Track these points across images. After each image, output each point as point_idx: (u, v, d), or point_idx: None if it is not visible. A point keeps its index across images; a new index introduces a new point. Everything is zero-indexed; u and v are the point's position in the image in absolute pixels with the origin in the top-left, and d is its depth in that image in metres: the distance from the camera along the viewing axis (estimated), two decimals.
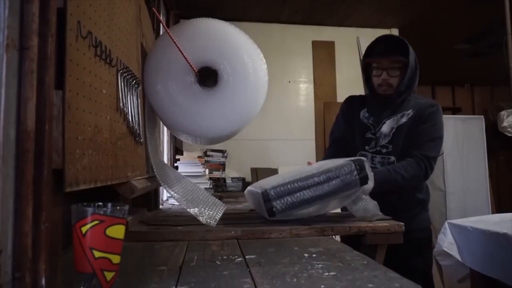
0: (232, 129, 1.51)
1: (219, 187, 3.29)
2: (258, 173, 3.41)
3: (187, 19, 1.78)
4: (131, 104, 1.16)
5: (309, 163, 1.47)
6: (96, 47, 0.85)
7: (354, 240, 1.19)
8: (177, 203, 1.93)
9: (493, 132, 5.33)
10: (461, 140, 4.35)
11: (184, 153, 2.93)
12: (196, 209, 1.26)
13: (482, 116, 4.66)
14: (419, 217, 1.56)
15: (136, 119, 1.21)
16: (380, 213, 1.31)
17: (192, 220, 1.24)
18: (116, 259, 0.60)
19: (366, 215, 1.29)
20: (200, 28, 1.49)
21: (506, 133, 5.40)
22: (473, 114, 5.86)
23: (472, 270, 2.07)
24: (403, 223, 1.22)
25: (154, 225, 1.24)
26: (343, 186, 1.22)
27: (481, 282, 2.00)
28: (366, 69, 1.63)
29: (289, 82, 4.02)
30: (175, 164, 2.76)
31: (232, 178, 3.46)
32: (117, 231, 0.60)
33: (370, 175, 1.25)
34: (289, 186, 1.21)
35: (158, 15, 1.64)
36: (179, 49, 1.36)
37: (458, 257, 2.13)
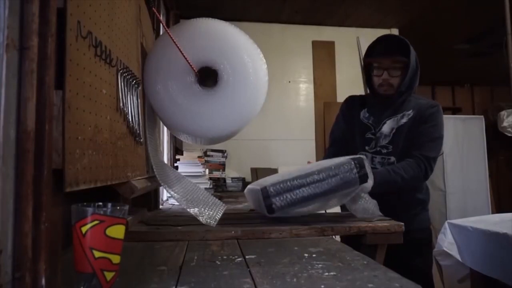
0: (232, 129, 1.51)
1: (219, 187, 3.29)
2: (258, 173, 3.41)
3: (187, 19, 1.78)
4: (131, 104, 1.16)
5: (309, 163, 1.47)
6: (96, 47, 0.85)
7: (354, 240, 1.19)
8: (177, 203, 1.93)
9: (493, 132, 5.33)
10: (461, 140, 4.35)
11: (184, 153, 2.93)
12: (196, 209, 1.26)
13: (482, 116, 4.66)
14: (419, 217, 1.56)
15: (136, 119, 1.21)
16: (380, 213, 1.31)
17: (192, 220, 1.24)
18: (116, 259, 0.60)
19: (366, 215, 1.29)
20: (200, 28, 1.49)
21: (506, 133, 5.40)
22: (473, 114, 5.87)
23: (472, 270, 2.07)
24: (403, 223, 1.22)
25: (154, 225, 1.24)
26: (342, 184, 1.21)
27: (481, 282, 2.00)
28: (367, 68, 1.63)
29: (289, 82, 4.02)
30: (175, 164, 2.76)
31: (232, 178, 3.46)
32: (117, 231, 0.60)
33: (370, 173, 1.25)
34: (288, 183, 1.21)
35: (158, 15, 1.64)
36: (179, 49, 1.36)
37: (458, 257, 2.13)
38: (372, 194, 1.35)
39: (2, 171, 0.48)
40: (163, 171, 1.46)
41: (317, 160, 2.80)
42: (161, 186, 1.46)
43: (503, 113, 5.43)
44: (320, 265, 0.81)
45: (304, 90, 4.05)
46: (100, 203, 0.63)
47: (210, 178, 3.04)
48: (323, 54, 4.08)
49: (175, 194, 1.34)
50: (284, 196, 1.20)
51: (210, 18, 1.52)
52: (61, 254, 0.64)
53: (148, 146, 1.41)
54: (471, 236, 2.02)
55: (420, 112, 1.53)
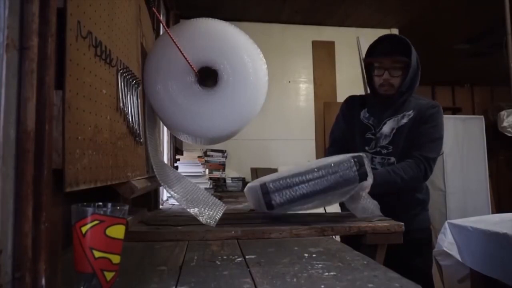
0: (232, 129, 1.51)
1: (219, 187, 3.29)
2: (258, 173, 3.41)
3: (187, 19, 1.78)
4: (131, 104, 1.16)
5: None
6: (96, 47, 0.85)
7: (354, 240, 1.19)
8: (177, 203, 1.93)
9: (493, 132, 5.33)
10: (461, 140, 4.35)
11: (184, 153, 2.93)
12: (196, 209, 1.26)
13: (482, 116, 4.66)
14: (419, 217, 1.56)
15: (136, 119, 1.21)
16: (380, 213, 1.30)
17: (192, 220, 1.24)
18: (116, 259, 0.60)
19: (366, 215, 1.29)
20: (200, 28, 1.49)
21: (506, 133, 5.40)
22: (473, 114, 5.87)
23: (472, 270, 2.07)
24: (403, 223, 1.21)
25: (154, 225, 1.24)
26: (342, 181, 1.21)
27: (481, 282, 2.00)
28: (367, 68, 1.62)
29: (289, 82, 4.02)
30: (175, 164, 2.76)
31: (232, 178, 3.46)
32: (117, 231, 0.60)
33: (370, 171, 1.25)
34: (288, 180, 1.21)
35: (158, 15, 1.64)
36: (179, 49, 1.36)
37: (458, 257, 2.13)
38: (372, 194, 1.35)
39: (2, 171, 0.48)
40: (163, 171, 1.46)
41: None
42: (161, 186, 1.46)
43: (503, 113, 5.43)
44: (320, 265, 0.81)
45: (304, 90, 4.05)
46: (100, 203, 0.63)
47: (210, 178, 3.04)
48: (323, 54, 4.08)
49: (175, 194, 1.34)
50: (284, 193, 1.20)
51: (210, 18, 1.52)
52: (61, 254, 0.64)
53: (148, 146, 1.41)
54: (471, 236, 2.02)
55: (420, 112, 1.53)
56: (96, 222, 0.58)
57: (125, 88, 1.10)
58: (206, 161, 3.10)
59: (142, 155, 1.34)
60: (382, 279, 0.71)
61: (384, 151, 1.55)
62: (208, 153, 3.35)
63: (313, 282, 0.70)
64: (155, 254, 0.96)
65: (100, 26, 0.90)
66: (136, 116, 1.21)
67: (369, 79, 1.63)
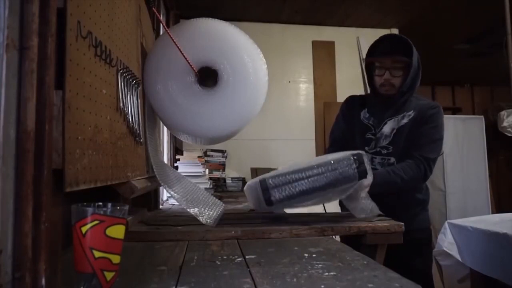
0: (232, 129, 1.51)
1: (219, 187, 3.29)
2: (258, 173, 3.41)
3: (187, 19, 1.78)
4: (131, 104, 1.16)
5: None
6: (96, 47, 0.85)
7: (354, 240, 1.19)
8: (177, 203, 1.93)
9: (493, 132, 5.33)
10: (461, 140, 4.35)
11: (184, 153, 2.93)
12: (196, 209, 1.26)
13: (482, 116, 4.66)
14: (419, 217, 1.56)
15: (136, 119, 1.21)
16: (380, 212, 1.30)
17: (192, 220, 1.24)
18: (116, 259, 0.60)
19: (365, 215, 1.29)
20: (200, 28, 1.49)
21: (506, 133, 5.40)
22: (473, 114, 5.87)
23: (472, 270, 2.07)
24: (403, 223, 1.21)
25: (154, 225, 1.24)
26: (341, 179, 1.21)
27: (481, 282, 2.00)
28: (368, 68, 1.62)
29: (289, 82, 4.02)
30: (175, 164, 2.76)
31: (232, 178, 3.46)
32: (117, 231, 0.60)
33: (369, 169, 1.25)
34: (287, 176, 1.20)
35: (158, 15, 1.64)
36: (179, 49, 1.36)
37: (458, 257, 2.13)
38: (372, 194, 1.35)
39: (2, 171, 0.48)
40: (163, 171, 1.46)
41: None
42: (161, 186, 1.46)
43: (503, 113, 5.43)
44: (320, 265, 0.81)
45: (304, 90, 4.05)
46: (100, 203, 0.63)
47: (210, 178, 3.04)
48: (323, 54, 4.08)
49: (175, 194, 1.34)
50: (283, 189, 1.19)
51: (210, 18, 1.52)
52: (61, 254, 0.64)
53: (148, 146, 1.41)
54: (471, 236, 2.02)
55: (421, 113, 1.53)
56: (96, 222, 0.58)
57: (125, 88, 1.10)
58: (206, 161, 3.10)
59: (142, 155, 1.34)
60: (382, 279, 0.71)
61: (384, 151, 1.54)
62: (208, 153, 3.35)
63: (313, 282, 0.70)
64: (155, 254, 0.96)
65: (100, 26, 0.90)
66: (136, 116, 1.21)
67: (370, 78, 1.63)
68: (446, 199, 4.18)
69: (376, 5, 3.65)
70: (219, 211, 1.40)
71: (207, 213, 1.27)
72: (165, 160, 2.63)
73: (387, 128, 1.55)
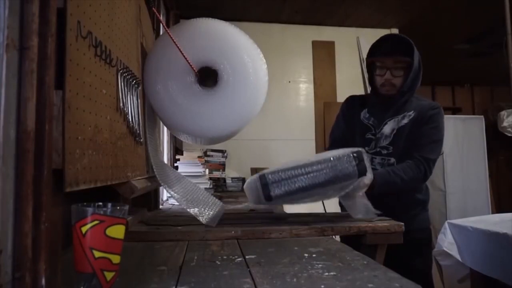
0: (232, 129, 1.51)
1: (219, 187, 3.29)
2: None
3: (187, 19, 1.78)
4: (131, 104, 1.16)
5: None
6: (96, 47, 0.85)
7: (354, 240, 1.19)
8: (177, 203, 1.93)
9: (493, 132, 5.33)
10: (461, 140, 4.35)
11: (184, 153, 2.93)
12: (196, 209, 1.26)
13: (482, 116, 4.66)
14: (419, 217, 1.56)
15: (136, 119, 1.21)
16: (378, 211, 1.30)
17: (192, 220, 1.24)
18: (116, 259, 0.60)
19: (361, 215, 1.29)
20: (200, 28, 1.49)
21: (506, 133, 5.40)
22: (473, 114, 5.87)
23: (472, 270, 2.07)
24: (403, 223, 1.21)
25: (154, 225, 1.24)
26: (341, 176, 1.21)
27: (481, 282, 2.00)
28: (369, 68, 1.62)
29: (289, 82, 4.02)
30: (175, 164, 2.76)
31: (232, 178, 3.46)
32: (117, 231, 0.60)
33: (369, 167, 1.24)
34: (287, 172, 1.20)
35: (158, 15, 1.64)
36: (179, 49, 1.36)
37: (458, 257, 2.13)
38: (372, 194, 1.35)
39: (2, 171, 0.48)
40: (163, 171, 1.46)
41: None
42: (161, 186, 1.46)
43: (503, 113, 5.43)
44: (320, 265, 0.81)
45: (304, 90, 4.05)
46: (100, 203, 0.63)
47: (210, 178, 3.04)
48: (323, 54, 4.08)
49: (175, 194, 1.34)
50: (282, 184, 1.19)
51: (210, 18, 1.52)
52: (61, 254, 0.64)
53: (148, 146, 1.41)
54: (471, 236, 2.02)
55: (421, 113, 1.52)
56: (96, 222, 0.58)
57: (125, 88, 1.10)
58: (206, 161, 3.10)
59: (142, 155, 1.34)
60: (382, 279, 0.71)
61: (384, 152, 1.54)
62: (208, 153, 3.35)
63: (313, 282, 0.70)
64: (155, 254, 0.96)
65: (100, 26, 0.90)
66: (136, 116, 1.21)
67: (370, 78, 1.62)
68: (446, 199, 4.18)
69: (376, 5, 3.65)
70: (219, 211, 1.39)
71: (207, 213, 1.27)
72: (165, 160, 2.63)
73: (387, 129, 1.55)
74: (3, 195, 0.49)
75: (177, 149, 3.06)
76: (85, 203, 0.61)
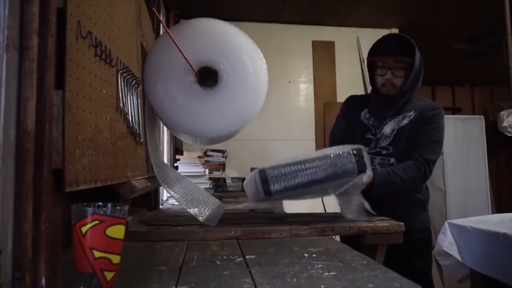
0: (232, 129, 1.51)
1: (219, 187, 3.29)
2: None
3: (187, 19, 1.78)
4: (131, 104, 1.16)
5: None
6: (96, 47, 0.85)
7: (354, 240, 1.19)
8: (177, 203, 1.93)
9: (493, 132, 5.33)
10: (461, 140, 4.35)
11: (184, 153, 2.93)
12: (196, 209, 1.26)
13: (482, 116, 4.66)
14: (419, 217, 1.55)
15: (136, 119, 1.21)
16: (373, 213, 1.30)
17: (192, 220, 1.24)
18: (116, 259, 0.60)
19: (353, 216, 1.29)
20: (200, 28, 1.49)
21: (506, 133, 5.40)
22: (473, 114, 5.86)
23: (472, 270, 2.07)
24: (403, 223, 1.21)
25: (154, 225, 1.24)
26: (341, 172, 1.21)
27: (481, 282, 2.00)
28: (370, 67, 1.61)
29: (289, 82, 4.02)
30: (175, 164, 2.76)
31: (232, 178, 3.45)
32: (117, 231, 0.60)
33: (368, 164, 1.24)
34: (287, 168, 1.20)
35: (158, 15, 1.64)
36: (179, 49, 1.36)
37: (458, 257, 2.13)
38: (372, 194, 1.35)
39: (2, 171, 0.48)
40: (163, 171, 1.46)
41: None
42: (161, 186, 1.46)
43: (503, 113, 5.43)
44: (320, 265, 0.81)
45: (304, 90, 4.05)
46: (100, 203, 0.63)
47: (210, 178, 3.04)
48: (323, 54, 4.08)
49: (175, 194, 1.34)
50: (282, 179, 1.19)
51: (210, 18, 1.52)
52: (61, 254, 0.64)
53: (148, 146, 1.41)
54: (471, 236, 2.02)
55: (421, 113, 1.52)
56: (96, 222, 0.58)
57: (125, 88, 1.10)
58: (206, 161, 3.10)
59: (142, 155, 1.34)
60: (382, 279, 0.71)
61: (384, 152, 1.54)
62: (208, 153, 3.35)
63: (313, 282, 0.70)
64: (155, 254, 0.96)
65: (100, 26, 0.90)
66: (136, 116, 1.21)
67: (371, 78, 1.62)
68: (446, 199, 4.18)
69: (376, 5, 3.65)
70: (219, 211, 1.40)
71: (206, 213, 1.27)
72: (165, 160, 2.63)
73: (387, 129, 1.55)
74: (3, 195, 0.49)
75: (177, 149, 3.06)
76: (85, 203, 0.61)
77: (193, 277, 0.74)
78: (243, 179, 3.47)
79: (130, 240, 1.05)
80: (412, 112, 1.54)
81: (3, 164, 0.49)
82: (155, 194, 1.87)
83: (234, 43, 1.47)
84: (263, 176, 1.20)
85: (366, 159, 1.24)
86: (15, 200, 0.51)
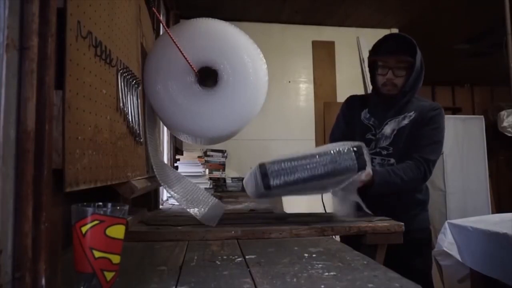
0: (232, 129, 1.51)
1: (219, 187, 3.29)
2: None
3: (187, 19, 1.78)
4: (131, 104, 1.16)
5: None
6: (96, 47, 0.85)
7: (354, 240, 1.19)
8: (177, 203, 1.93)
9: (493, 132, 5.33)
10: (461, 140, 4.35)
11: (184, 153, 2.93)
12: (196, 209, 1.26)
13: (482, 116, 4.66)
14: (419, 217, 1.55)
15: (136, 119, 1.21)
16: (367, 212, 1.30)
17: (192, 220, 1.24)
18: (116, 259, 0.60)
19: (339, 215, 1.29)
20: (200, 28, 1.49)
21: (506, 133, 5.40)
22: (473, 114, 5.86)
23: (472, 270, 2.07)
24: (403, 223, 1.21)
25: (154, 225, 1.24)
26: (340, 169, 1.20)
27: (481, 282, 2.00)
28: (371, 67, 1.61)
29: (289, 82, 4.02)
30: (175, 164, 2.76)
31: (232, 178, 3.45)
32: (117, 231, 0.60)
33: (368, 161, 1.24)
34: (287, 163, 1.20)
35: (158, 15, 1.64)
36: (179, 49, 1.36)
37: (458, 257, 2.13)
38: (372, 194, 1.35)
39: (2, 171, 0.48)
40: (163, 171, 1.46)
41: None
42: (161, 186, 1.46)
43: (503, 113, 5.43)
44: (320, 265, 0.81)
45: (304, 90, 4.05)
46: (100, 203, 0.63)
47: (210, 178, 3.04)
48: (323, 54, 4.08)
49: (175, 194, 1.34)
50: (282, 173, 1.19)
51: (210, 18, 1.52)
52: (61, 254, 0.64)
53: (148, 146, 1.41)
54: (471, 236, 2.02)
55: (422, 114, 1.52)
56: (96, 222, 0.58)
57: (125, 88, 1.10)
58: (206, 161, 3.10)
59: (142, 155, 1.34)
60: (382, 279, 0.71)
61: (384, 152, 1.54)
62: (208, 153, 3.35)
63: (313, 282, 0.70)
64: (155, 254, 0.96)
65: (100, 26, 0.90)
66: (136, 116, 1.21)
67: (372, 77, 1.62)
68: (446, 199, 4.18)
69: (376, 5, 3.65)
70: (219, 211, 1.40)
71: (207, 213, 1.27)
72: (165, 160, 2.63)
73: (387, 129, 1.54)
74: (3, 195, 0.49)
75: (177, 149, 3.06)
76: (85, 203, 0.61)
77: (193, 277, 0.74)
78: (243, 179, 3.47)
79: (130, 240, 1.05)
80: (413, 112, 1.53)
81: (3, 164, 0.49)
82: (155, 194, 1.87)
83: (234, 43, 1.47)
84: (263, 171, 1.19)
85: (366, 156, 1.24)
86: (15, 200, 0.51)
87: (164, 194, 2.46)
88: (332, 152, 1.21)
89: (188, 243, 1.07)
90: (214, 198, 1.62)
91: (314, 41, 4.08)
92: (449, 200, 4.18)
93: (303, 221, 1.27)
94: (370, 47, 1.61)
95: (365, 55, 3.98)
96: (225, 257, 0.90)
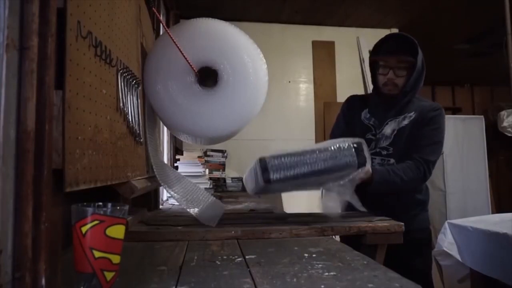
0: (232, 129, 1.51)
1: (219, 187, 3.29)
2: None
3: (187, 19, 1.78)
4: (131, 104, 1.16)
5: None
6: (96, 47, 0.85)
7: (354, 240, 1.19)
8: (177, 203, 1.93)
9: (493, 132, 5.33)
10: (461, 140, 4.35)
11: (184, 153, 2.93)
12: (196, 209, 1.26)
13: (482, 116, 4.66)
14: (419, 217, 1.55)
15: (136, 119, 1.21)
16: (364, 209, 1.30)
17: (192, 220, 1.24)
18: (116, 259, 0.60)
19: (325, 212, 1.29)
20: (200, 28, 1.49)
21: (506, 133, 5.40)
22: (473, 114, 5.86)
23: (472, 270, 2.07)
24: (403, 223, 1.21)
25: (154, 225, 1.24)
26: (340, 165, 1.21)
27: (481, 282, 2.00)
28: (372, 66, 1.61)
29: (289, 82, 4.02)
30: (175, 164, 2.76)
31: (232, 178, 3.46)
32: (117, 231, 0.60)
33: (368, 158, 1.24)
34: (287, 158, 1.20)
35: (158, 15, 1.64)
36: (179, 49, 1.36)
37: (458, 257, 2.13)
38: (372, 194, 1.35)
39: (2, 171, 0.48)
40: (163, 171, 1.46)
41: None
42: (161, 186, 1.46)
43: (503, 113, 5.43)
44: (320, 265, 0.81)
45: (304, 90, 4.05)
46: (100, 203, 0.63)
47: (210, 178, 3.04)
48: (323, 54, 4.08)
49: (175, 194, 1.34)
50: (282, 168, 1.19)
51: (210, 18, 1.52)
52: (61, 254, 0.64)
53: (148, 146, 1.41)
54: (471, 236, 2.02)
55: (422, 114, 1.52)
56: (96, 222, 0.58)
57: (125, 88, 1.10)
58: (206, 161, 3.10)
59: (142, 155, 1.34)
60: (382, 279, 0.71)
61: (384, 152, 1.54)
62: (208, 153, 3.35)
63: (313, 282, 0.70)
64: (155, 254, 0.96)
65: (100, 26, 0.90)
66: (136, 116, 1.21)
67: (373, 77, 1.61)
68: (446, 199, 4.18)
69: (376, 5, 3.65)
70: (219, 211, 1.40)
71: (206, 213, 1.27)
72: (165, 160, 2.63)
73: (388, 129, 1.54)
74: (3, 195, 0.49)
75: (177, 149, 3.06)
76: (85, 203, 0.61)
77: (193, 277, 0.74)
78: (243, 179, 3.47)
79: (130, 240, 1.05)
80: (413, 112, 1.53)
81: (3, 164, 0.49)
82: (155, 194, 1.87)
83: (234, 43, 1.47)
84: (264, 165, 1.19)
85: (366, 152, 1.24)
86: (15, 200, 0.51)
87: (164, 194, 2.46)
88: (332, 148, 1.21)
89: (188, 243, 1.07)
90: (214, 198, 1.62)
91: (314, 41, 4.08)
92: (449, 200, 4.18)
93: (303, 221, 1.27)
94: (370, 47, 1.61)
95: (365, 55, 3.98)
96: (225, 257, 0.90)
